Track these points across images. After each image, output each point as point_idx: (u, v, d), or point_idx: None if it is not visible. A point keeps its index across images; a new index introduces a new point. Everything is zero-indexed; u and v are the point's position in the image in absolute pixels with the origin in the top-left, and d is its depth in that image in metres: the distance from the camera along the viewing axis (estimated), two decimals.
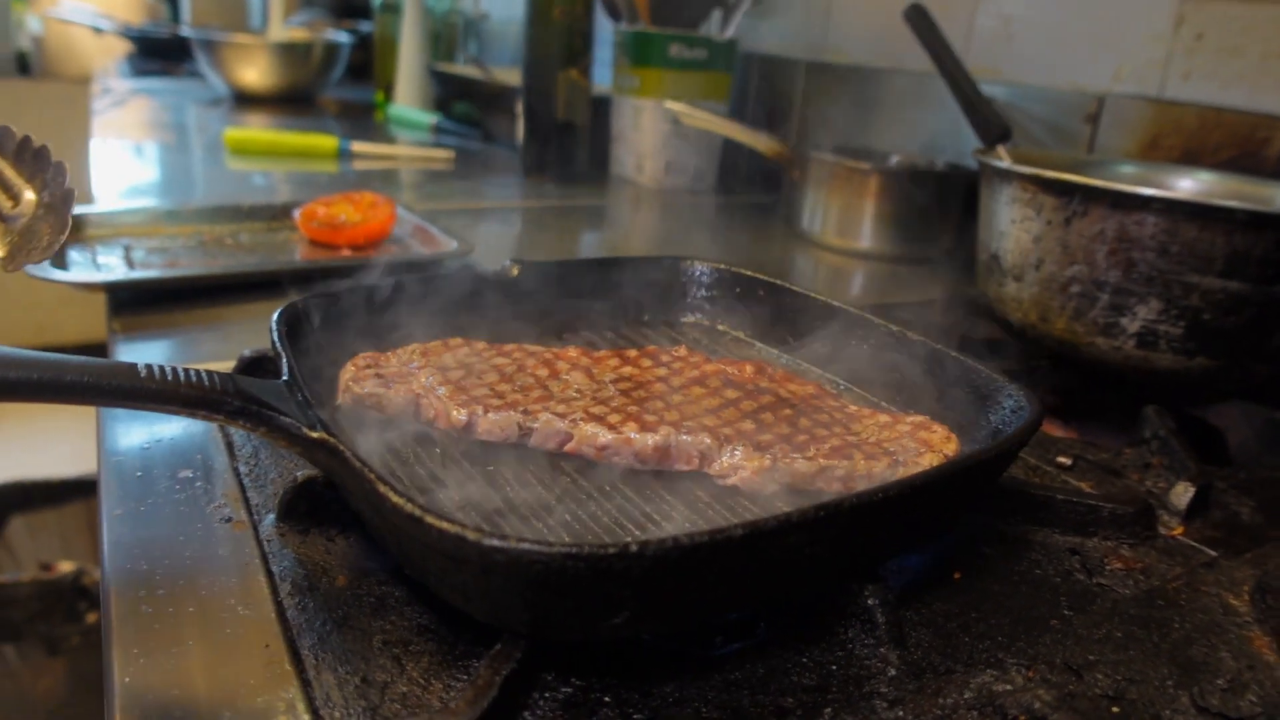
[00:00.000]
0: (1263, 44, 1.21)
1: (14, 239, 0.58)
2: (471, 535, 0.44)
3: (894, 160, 1.57)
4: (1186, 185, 1.14)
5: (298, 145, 1.98)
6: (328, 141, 1.97)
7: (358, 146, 1.99)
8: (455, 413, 0.66)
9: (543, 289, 0.90)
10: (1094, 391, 0.98)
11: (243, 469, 0.71)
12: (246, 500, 0.67)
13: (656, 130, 1.83)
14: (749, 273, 0.95)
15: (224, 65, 2.57)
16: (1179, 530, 0.74)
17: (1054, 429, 0.94)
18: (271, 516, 0.64)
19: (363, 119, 2.53)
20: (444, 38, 2.64)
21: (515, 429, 0.66)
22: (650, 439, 0.64)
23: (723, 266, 0.96)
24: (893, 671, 0.53)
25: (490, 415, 0.66)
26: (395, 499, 0.47)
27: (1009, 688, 0.51)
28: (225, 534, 0.63)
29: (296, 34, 2.68)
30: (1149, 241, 0.87)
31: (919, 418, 0.70)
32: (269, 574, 0.59)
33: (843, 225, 1.51)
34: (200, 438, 0.75)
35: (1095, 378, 0.97)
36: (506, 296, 0.88)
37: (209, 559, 0.60)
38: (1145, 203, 0.87)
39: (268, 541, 0.62)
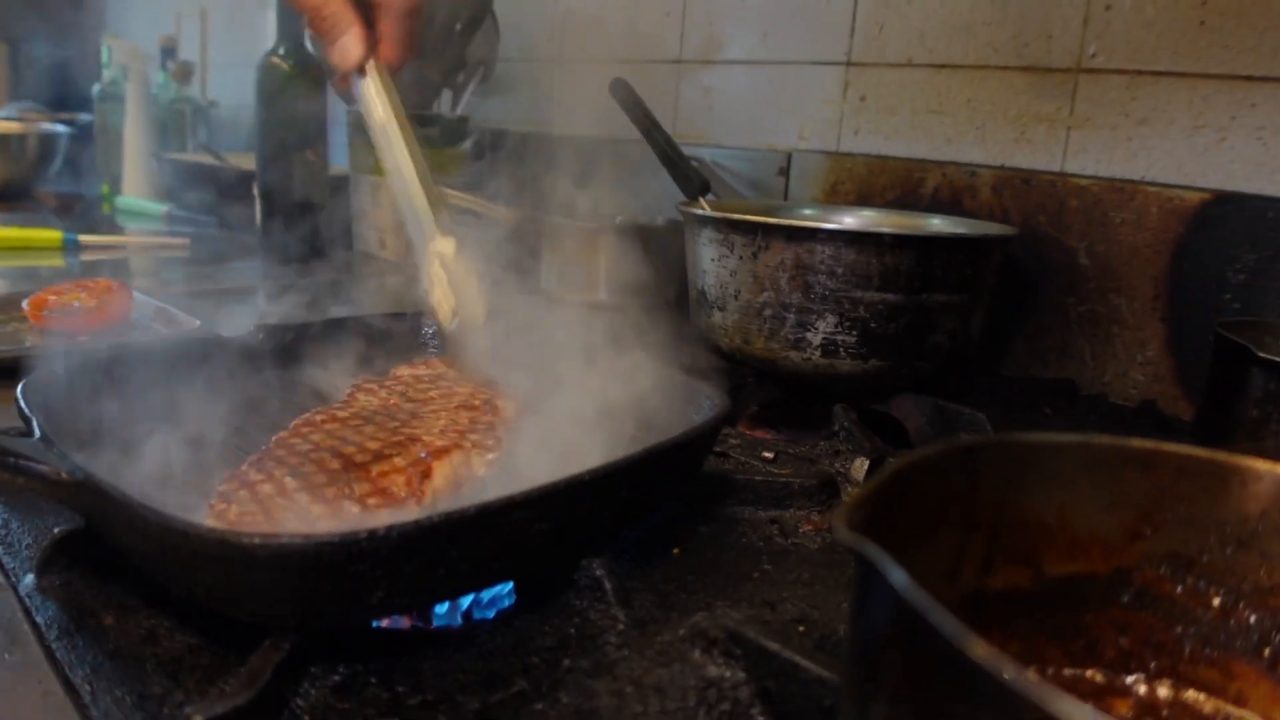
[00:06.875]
0: (911, 102, 1.44)
1: None
2: (231, 537, 0.50)
3: (618, 219, 1.71)
4: (857, 221, 1.34)
5: (15, 240, 1.90)
6: (50, 235, 1.91)
7: (85, 239, 1.94)
8: None
9: (288, 350, 0.95)
10: (795, 400, 1.13)
11: None
12: (1, 566, 0.68)
13: (396, 206, 1.89)
14: None
15: None
16: None
17: (765, 436, 1.08)
18: (30, 577, 0.66)
19: (89, 212, 2.44)
20: (172, 126, 2.61)
21: None
22: None
23: None
24: (621, 626, 0.63)
25: None
26: (158, 517, 0.52)
27: (714, 620, 0.61)
28: None
29: (7, 126, 2.57)
30: (820, 266, 1.03)
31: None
32: (34, 625, 0.61)
33: (578, 281, 1.63)
34: None
35: (794, 387, 1.12)
36: (253, 359, 0.93)
37: None
38: (813, 234, 1.03)
39: (28, 598, 0.64)
